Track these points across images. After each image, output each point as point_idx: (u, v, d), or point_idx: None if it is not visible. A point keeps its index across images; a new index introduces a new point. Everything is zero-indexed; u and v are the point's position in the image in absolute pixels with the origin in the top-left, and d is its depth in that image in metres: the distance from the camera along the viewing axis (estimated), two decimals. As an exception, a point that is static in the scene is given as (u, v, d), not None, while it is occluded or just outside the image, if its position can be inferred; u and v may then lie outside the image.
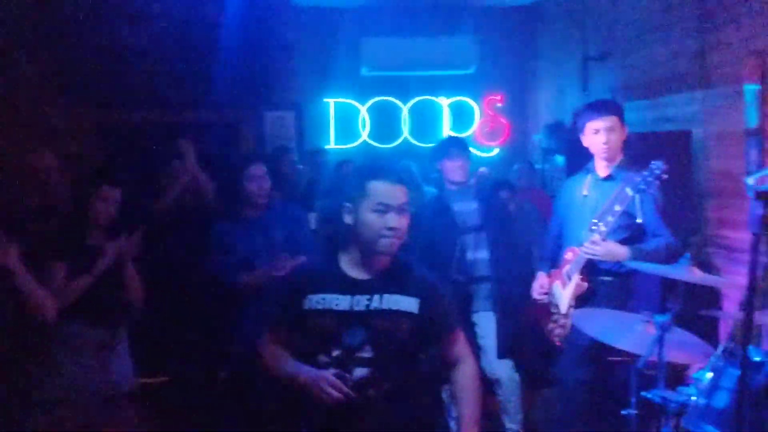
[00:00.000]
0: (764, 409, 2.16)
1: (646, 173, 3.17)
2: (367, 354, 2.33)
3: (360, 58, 7.39)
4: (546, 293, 3.77)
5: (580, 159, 3.94)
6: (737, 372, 2.19)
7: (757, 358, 2.19)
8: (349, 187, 2.39)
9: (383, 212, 2.32)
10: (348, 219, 2.38)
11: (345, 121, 7.61)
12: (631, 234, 3.46)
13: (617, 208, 3.30)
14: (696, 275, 2.59)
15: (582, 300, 3.56)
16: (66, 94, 6.17)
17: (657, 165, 3.15)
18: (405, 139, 7.75)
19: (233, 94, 6.58)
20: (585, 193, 3.66)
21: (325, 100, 7.54)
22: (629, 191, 3.21)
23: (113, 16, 6.30)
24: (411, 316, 2.36)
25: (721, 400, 2.20)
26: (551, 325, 3.80)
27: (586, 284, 3.53)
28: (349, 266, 2.41)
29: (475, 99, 7.78)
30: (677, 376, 3.05)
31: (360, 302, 2.35)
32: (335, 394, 2.21)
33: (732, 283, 2.61)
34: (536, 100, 7.79)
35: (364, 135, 7.67)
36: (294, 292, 2.42)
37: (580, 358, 3.64)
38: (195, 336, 4.49)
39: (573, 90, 6.53)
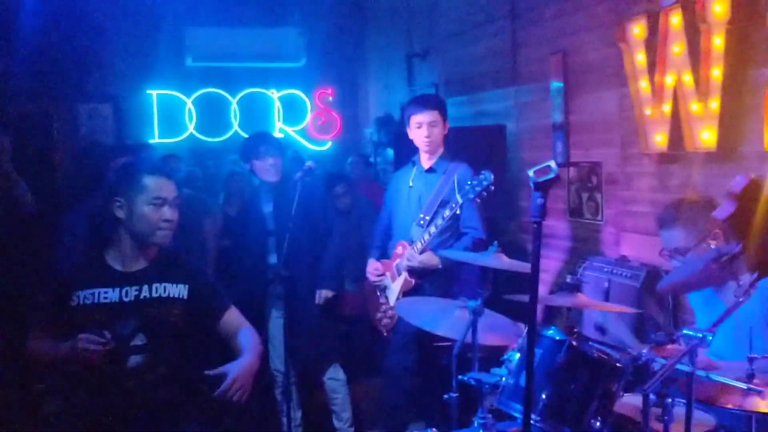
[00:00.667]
0: (566, 383, 2.32)
1: (475, 182, 3.27)
2: (140, 342, 2.47)
3: (184, 48, 7.12)
4: (381, 275, 3.83)
5: (408, 152, 4.06)
6: (540, 351, 2.34)
7: (558, 337, 2.35)
8: (121, 182, 2.52)
9: (160, 205, 2.48)
10: (120, 213, 2.49)
11: (170, 114, 7.31)
12: (452, 231, 3.64)
13: (447, 213, 3.44)
14: (503, 261, 2.73)
15: (410, 292, 3.67)
16: None
17: (486, 176, 3.24)
18: (235, 132, 7.58)
19: (39, 84, 6.07)
20: (410, 184, 3.80)
21: (148, 91, 7.20)
22: (459, 198, 3.33)
23: None
24: (182, 301, 2.54)
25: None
26: (379, 315, 3.88)
27: (413, 281, 3.65)
28: (117, 260, 2.54)
29: (306, 92, 7.77)
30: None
31: (129, 293, 2.50)
32: (93, 347, 2.30)
33: (535, 274, 2.77)
34: (366, 94, 7.91)
35: (191, 128, 7.41)
36: (60, 291, 2.50)
37: (407, 347, 3.75)
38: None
39: (400, 85, 6.70)
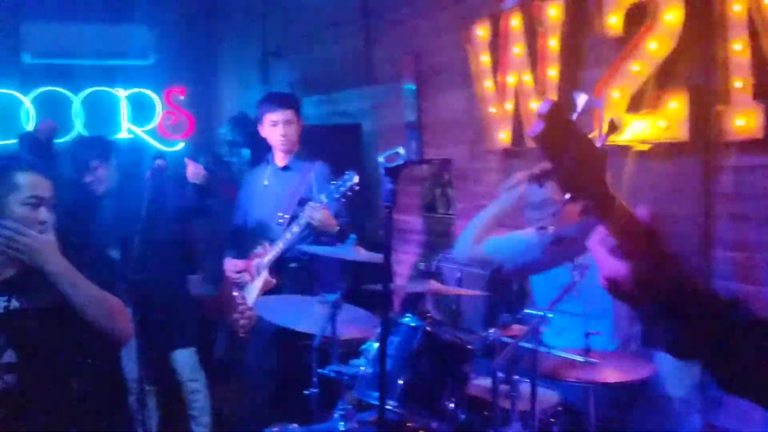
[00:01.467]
0: (422, 368, 2.41)
1: (339, 182, 3.26)
2: (9, 359, 2.17)
3: (21, 43, 6.64)
4: (240, 271, 3.76)
5: (263, 151, 4.03)
6: (397, 338, 2.41)
7: (412, 323, 2.43)
8: None
9: (36, 205, 2.22)
10: None
11: (6, 114, 6.78)
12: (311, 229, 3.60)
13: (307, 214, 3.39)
14: (360, 254, 2.78)
15: (270, 292, 3.63)
16: None
17: (350, 177, 3.24)
18: (78, 132, 7.16)
19: None
20: (266, 183, 3.76)
21: (-21, 89, 6.65)
22: (324, 198, 3.30)
23: None
24: (55, 312, 2.21)
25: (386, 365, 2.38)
26: (236, 316, 3.81)
27: (274, 281, 3.60)
28: None
29: (156, 91, 7.48)
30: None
31: None
32: None
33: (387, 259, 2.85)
34: (220, 93, 7.75)
35: (30, 128, 6.92)
36: None
37: (267, 347, 3.72)
38: None
39: (255, 84, 6.62)
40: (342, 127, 5.05)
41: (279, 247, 3.55)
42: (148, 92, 7.48)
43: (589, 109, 1.02)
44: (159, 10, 7.22)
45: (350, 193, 3.27)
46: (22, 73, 6.82)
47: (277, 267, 3.60)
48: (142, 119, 7.42)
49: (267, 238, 3.67)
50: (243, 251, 3.84)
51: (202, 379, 4.15)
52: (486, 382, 2.50)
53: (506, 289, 3.21)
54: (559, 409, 2.54)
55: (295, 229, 3.47)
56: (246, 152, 6.67)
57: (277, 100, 3.74)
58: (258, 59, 6.45)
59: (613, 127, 1.21)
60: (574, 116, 1.14)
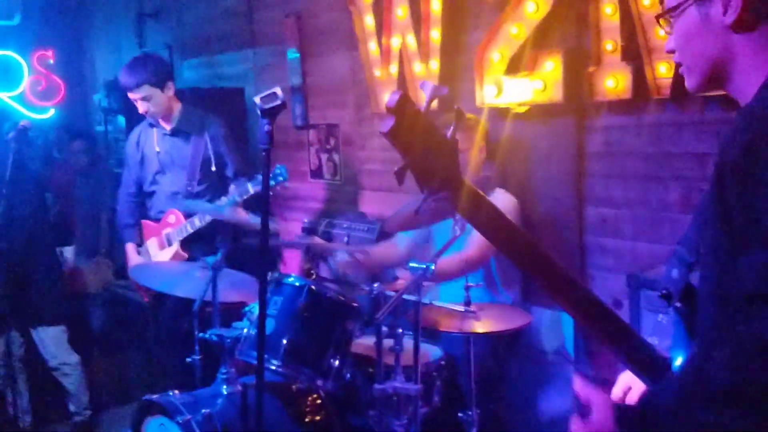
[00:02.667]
0: (306, 327, 2.39)
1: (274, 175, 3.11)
2: None
3: None
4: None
5: (139, 118, 3.84)
6: (280, 298, 2.37)
7: (297, 283, 2.41)
8: None
9: None
10: None
11: None
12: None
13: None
14: (239, 216, 2.71)
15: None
16: None
17: (282, 172, 3.14)
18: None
19: None
20: (157, 149, 3.60)
21: None
22: (251, 188, 3.11)
23: None
24: None
25: (269, 326, 2.35)
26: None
27: (185, 255, 3.44)
28: None
29: (22, 54, 6.97)
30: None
31: None
32: None
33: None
34: (93, 58, 7.33)
35: None
36: None
37: (163, 314, 3.57)
38: None
39: (130, 47, 6.29)
40: (225, 90, 4.88)
41: (195, 223, 3.39)
42: (14, 55, 6.96)
43: (436, 97, 1.03)
44: (23, -34, 6.72)
45: (279, 188, 3.15)
46: None
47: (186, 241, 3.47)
48: (8, 84, 6.91)
49: (174, 206, 3.51)
50: (140, 219, 3.69)
51: (73, 358, 3.92)
52: (372, 339, 2.52)
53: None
54: (442, 363, 2.59)
55: (208, 217, 3.30)
56: (121, 120, 6.36)
57: (126, 80, 3.48)
58: (133, 20, 6.13)
59: (460, 116, 1.23)
60: (423, 106, 1.15)
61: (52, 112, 7.21)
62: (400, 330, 2.23)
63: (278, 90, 1.70)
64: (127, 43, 6.37)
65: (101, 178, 5.49)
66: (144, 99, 3.47)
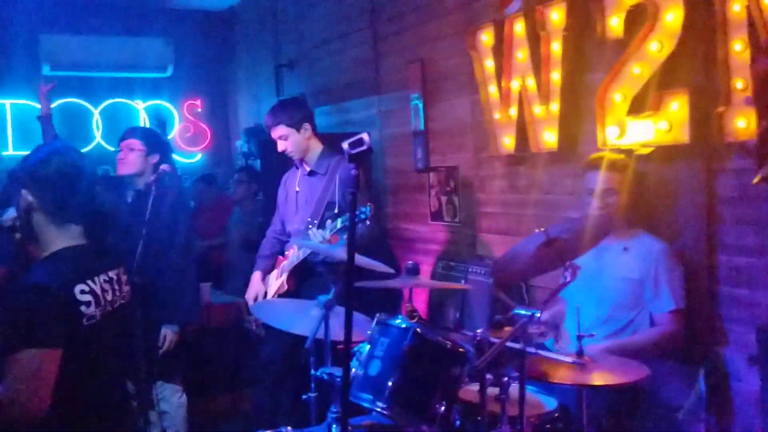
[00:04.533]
0: (411, 370, 2.37)
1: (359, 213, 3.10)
2: None
3: (40, 55, 6.77)
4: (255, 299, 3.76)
5: (275, 161, 4.06)
6: (387, 340, 2.37)
7: (403, 325, 2.40)
8: None
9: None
10: None
11: (25, 125, 6.89)
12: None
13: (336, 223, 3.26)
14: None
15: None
16: None
17: (366, 211, 3.09)
18: (98, 143, 7.27)
19: None
20: (297, 189, 3.78)
21: (1, 101, 6.78)
22: (330, 231, 3.19)
23: None
24: None
25: (375, 367, 2.35)
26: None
27: (287, 287, 3.59)
28: None
29: (173, 103, 7.58)
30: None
31: None
32: None
33: (379, 265, 2.83)
34: (236, 106, 7.83)
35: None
36: None
37: (276, 348, 3.69)
38: None
39: (269, 95, 6.67)
40: (351, 135, 5.03)
41: (300, 253, 3.53)
42: (166, 104, 7.58)
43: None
44: (177, 24, 7.34)
45: (367, 222, 3.12)
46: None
47: (297, 272, 3.60)
48: (161, 131, 7.51)
49: (295, 242, 3.66)
50: (277, 253, 3.87)
51: (182, 400, 3.87)
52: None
53: (511, 294, 3.17)
54: (556, 415, 2.48)
55: (315, 241, 3.31)
56: (257, 163, 6.73)
57: (267, 120, 3.72)
58: (272, 71, 6.50)
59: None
60: None
61: (199, 156, 7.76)
62: (506, 378, 2.17)
63: (365, 135, 1.73)
64: (267, 92, 6.76)
65: (255, 212, 5.81)
66: (281, 138, 3.66)
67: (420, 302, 4.33)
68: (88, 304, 2.03)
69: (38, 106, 6.53)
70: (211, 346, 4.84)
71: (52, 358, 1.91)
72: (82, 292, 2.03)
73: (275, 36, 6.56)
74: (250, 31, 7.31)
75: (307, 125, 3.71)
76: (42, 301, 1.92)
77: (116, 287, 2.19)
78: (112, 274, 2.18)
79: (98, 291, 2.09)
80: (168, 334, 3.63)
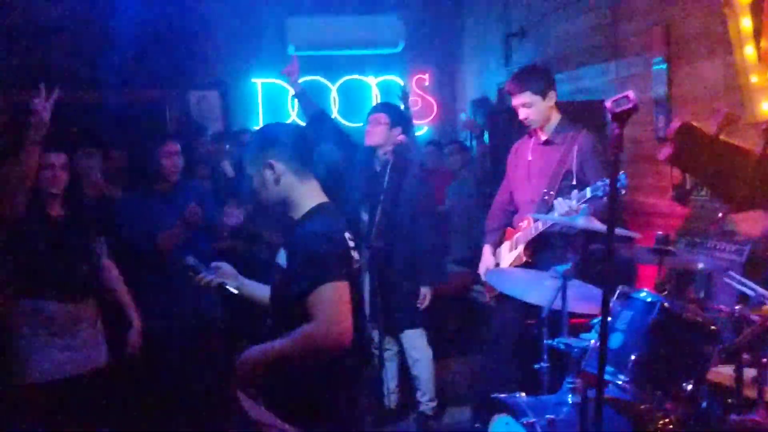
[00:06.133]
0: (657, 345, 2.29)
1: (601, 184, 3.02)
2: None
3: (286, 37, 7.34)
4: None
5: (502, 134, 4.04)
6: (630, 313, 2.31)
7: (648, 299, 2.32)
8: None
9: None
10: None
11: (273, 101, 7.56)
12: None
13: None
14: (594, 224, 2.70)
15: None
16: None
17: (622, 179, 2.92)
18: (334, 118, 7.75)
19: (154, 73, 6.47)
20: (529, 158, 3.75)
21: (253, 80, 7.48)
22: (588, 193, 3.06)
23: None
24: (281, 269, 2.29)
25: (616, 340, 2.31)
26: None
27: (525, 258, 3.55)
28: None
29: (402, 77, 7.84)
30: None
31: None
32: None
33: (628, 233, 2.73)
34: (463, 77, 7.90)
35: (293, 115, 7.65)
36: None
37: (509, 316, 3.72)
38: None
39: (497, 66, 6.66)
40: (584, 103, 4.88)
41: (538, 227, 3.46)
42: (396, 78, 7.87)
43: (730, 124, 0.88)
44: (408, -1, 7.56)
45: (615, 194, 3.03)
46: (287, 63, 7.51)
47: (532, 244, 3.55)
48: (405, 105, 7.82)
49: (532, 213, 3.59)
50: (505, 225, 3.87)
51: (427, 354, 4.27)
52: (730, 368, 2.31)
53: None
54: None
55: (556, 214, 3.23)
56: (485, 136, 6.76)
57: (510, 86, 3.68)
58: (501, 41, 6.47)
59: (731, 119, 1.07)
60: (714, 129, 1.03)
61: (425, 129, 7.98)
62: (766, 359, 2.01)
63: (631, 93, 1.67)
64: (495, 63, 6.75)
65: (470, 186, 5.91)
66: (524, 105, 3.60)
67: (649, 277, 4.11)
68: (353, 249, 2.29)
69: (287, 86, 7.17)
70: (441, 314, 5.02)
71: (346, 290, 2.17)
72: (349, 239, 2.29)
73: (504, 5, 6.51)
74: (479, 1, 7.33)
75: (552, 93, 3.64)
76: (328, 243, 2.18)
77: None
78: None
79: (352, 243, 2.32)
80: (426, 292, 4.12)
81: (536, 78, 3.66)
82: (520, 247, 3.60)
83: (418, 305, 4.16)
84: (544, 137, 3.65)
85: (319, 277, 2.13)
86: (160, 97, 6.94)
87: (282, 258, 2.29)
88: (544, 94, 3.59)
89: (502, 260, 3.76)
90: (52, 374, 3.24)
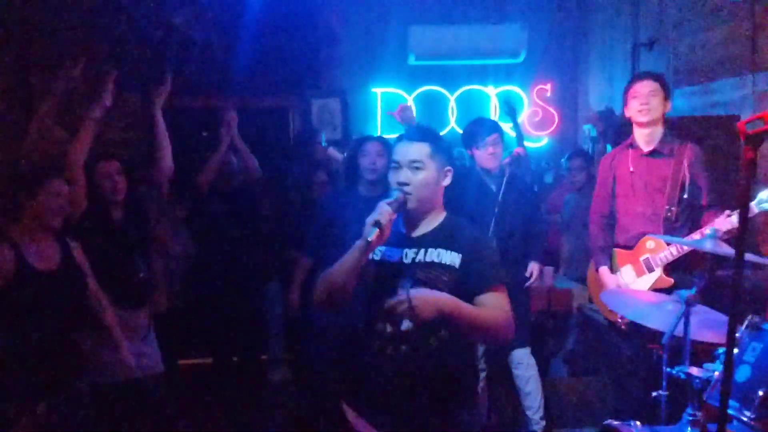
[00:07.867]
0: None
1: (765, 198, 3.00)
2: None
3: (408, 46, 7.39)
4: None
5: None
6: (760, 345, 2.14)
7: (777, 330, 2.14)
8: None
9: (396, 168, 2.50)
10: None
11: (392, 110, 7.63)
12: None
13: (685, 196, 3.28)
14: (723, 248, 2.54)
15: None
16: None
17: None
18: (452, 129, 7.73)
19: (279, 81, 6.69)
20: (631, 169, 3.62)
21: (373, 90, 7.59)
22: (755, 209, 3.02)
23: (162, 2, 6.39)
24: (451, 269, 2.42)
25: (743, 374, 2.15)
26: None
27: (672, 280, 3.41)
28: (404, 224, 2.56)
29: (523, 88, 7.70)
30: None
31: (408, 255, 2.50)
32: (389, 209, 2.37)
33: (759, 258, 2.54)
34: (586, 89, 7.67)
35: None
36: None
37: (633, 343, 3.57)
38: (237, 316, 4.61)
39: (623, 78, 6.42)
40: (718, 118, 4.61)
41: (682, 248, 3.33)
42: (516, 89, 7.73)
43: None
44: (532, 8, 7.42)
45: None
46: (408, 73, 7.58)
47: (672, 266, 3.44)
48: (511, 117, 7.71)
49: (651, 230, 3.50)
50: (611, 242, 3.76)
51: (536, 371, 4.22)
52: None
53: None
54: None
55: (698, 236, 3.16)
56: (608, 148, 6.52)
57: (641, 75, 3.67)
58: (628, 51, 6.23)
59: None
60: None
61: (545, 141, 7.80)
62: None
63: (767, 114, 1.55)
64: (621, 73, 6.51)
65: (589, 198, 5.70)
66: (650, 93, 3.56)
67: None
68: None
69: (404, 94, 7.21)
70: (551, 329, 4.89)
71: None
72: None
73: (633, 14, 6.26)
74: (605, 10, 7.09)
75: (668, 103, 3.61)
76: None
77: None
78: None
79: None
80: (534, 269, 4.26)
81: (663, 78, 3.66)
82: (659, 270, 3.46)
83: (527, 277, 4.22)
84: (648, 148, 3.53)
85: (501, 276, 2.44)
86: (284, 104, 7.16)
87: (443, 257, 2.44)
88: (666, 97, 3.56)
89: (634, 284, 3.58)
90: (118, 376, 3.34)
